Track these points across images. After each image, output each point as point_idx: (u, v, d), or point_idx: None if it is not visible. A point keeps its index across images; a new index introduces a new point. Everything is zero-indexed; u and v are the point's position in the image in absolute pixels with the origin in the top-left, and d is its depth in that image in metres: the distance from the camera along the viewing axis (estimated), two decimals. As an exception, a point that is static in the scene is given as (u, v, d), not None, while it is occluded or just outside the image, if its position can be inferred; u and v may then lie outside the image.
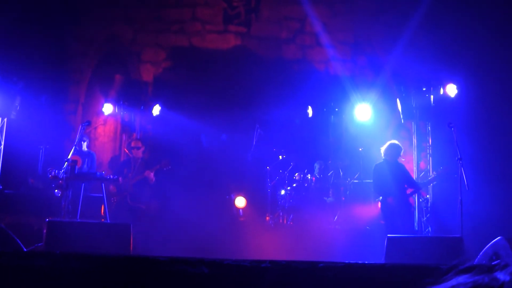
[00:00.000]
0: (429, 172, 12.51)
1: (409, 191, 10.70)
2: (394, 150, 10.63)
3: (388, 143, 10.70)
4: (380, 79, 13.74)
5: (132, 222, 8.35)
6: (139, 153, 12.09)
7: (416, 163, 13.18)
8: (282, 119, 14.15)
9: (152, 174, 11.61)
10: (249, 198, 13.11)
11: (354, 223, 11.99)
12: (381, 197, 10.58)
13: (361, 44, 14.70)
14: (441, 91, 12.33)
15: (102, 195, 10.83)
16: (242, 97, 14.56)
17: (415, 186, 10.86)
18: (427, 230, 12.07)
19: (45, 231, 7.82)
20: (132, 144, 12.29)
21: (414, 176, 12.58)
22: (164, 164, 11.57)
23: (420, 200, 12.38)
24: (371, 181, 11.14)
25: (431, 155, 12.95)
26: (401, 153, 10.69)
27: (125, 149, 14.21)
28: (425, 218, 12.20)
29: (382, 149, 10.74)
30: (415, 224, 12.09)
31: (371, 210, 12.02)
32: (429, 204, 12.24)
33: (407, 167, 11.31)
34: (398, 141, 10.91)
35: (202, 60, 14.94)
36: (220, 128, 14.30)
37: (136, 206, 11.59)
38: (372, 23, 14.53)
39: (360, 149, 13.26)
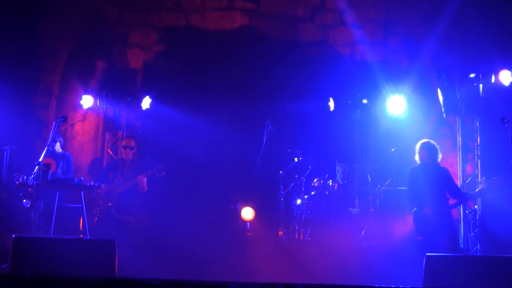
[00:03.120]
0: (478, 178, 12.39)
1: (452, 201, 10.58)
2: (428, 151, 10.49)
3: (419, 142, 10.59)
4: (416, 65, 13.64)
5: (118, 238, 8.27)
6: (130, 155, 11.99)
7: (461, 166, 13.05)
8: (298, 114, 14.12)
9: (145, 181, 11.51)
10: (258, 208, 13.10)
11: (385, 239, 11.92)
12: (416, 208, 10.47)
13: (394, 23, 14.56)
14: (493, 79, 12.16)
15: (80, 205, 10.74)
16: (249, 88, 14.53)
17: (460, 197, 10.71)
18: (475, 248, 11.95)
19: (10, 249, 7.74)
20: (123, 143, 12.17)
21: (459, 183, 12.47)
22: (157, 169, 11.47)
23: (466, 211, 12.25)
24: (406, 188, 11.05)
25: (479, 157, 12.80)
26: (439, 154, 10.56)
27: (109, 150, 14.19)
28: (472, 234, 12.08)
29: (415, 150, 10.65)
30: (460, 240, 12.00)
31: (406, 223, 11.89)
32: (477, 216, 12.08)
33: (450, 171, 11.18)
34: (439, 140, 10.82)
35: (202, 43, 14.89)
36: (223, 125, 14.22)
37: (122, 219, 11.52)
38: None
39: (393, 150, 13.19)
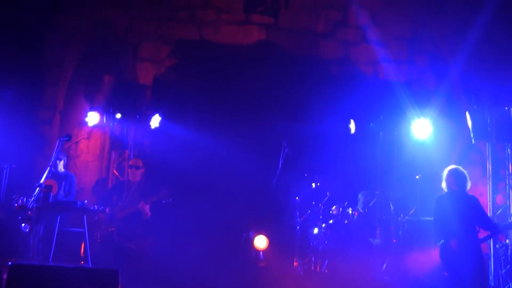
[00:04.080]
0: (509, 209, 12.26)
1: (482, 234, 10.44)
2: (456, 178, 10.37)
3: (447, 169, 10.48)
4: (444, 86, 13.57)
5: (120, 266, 8.23)
6: (137, 176, 11.98)
7: (491, 196, 12.88)
8: (317, 135, 14.07)
9: (147, 208, 11.46)
10: (272, 237, 13.03)
11: (408, 274, 11.82)
12: (442, 241, 10.34)
13: (421, 41, 14.51)
14: (526, 102, 12.14)
15: (83, 230, 10.70)
16: (266, 107, 14.49)
17: (492, 228, 10.55)
18: (506, 286, 11.79)
19: (5, 277, 7.69)
20: (131, 162, 12.23)
21: (489, 213, 12.33)
22: (163, 195, 11.44)
23: (497, 246, 12.08)
24: (431, 218, 10.93)
25: (511, 186, 12.69)
26: (468, 182, 10.45)
27: (115, 171, 14.15)
28: (504, 271, 11.90)
29: (442, 178, 10.54)
30: (490, 277, 11.84)
31: (431, 257, 11.78)
32: (509, 251, 11.95)
33: (480, 201, 11.05)
34: (467, 167, 10.68)
35: (216, 58, 14.86)
36: (237, 145, 14.16)
37: (124, 245, 11.46)
38: (437, 12, 14.29)
39: (417, 177, 13.08)
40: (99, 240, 11.41)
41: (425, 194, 12.64)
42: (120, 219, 11.49)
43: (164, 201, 11.47)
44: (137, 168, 11.99)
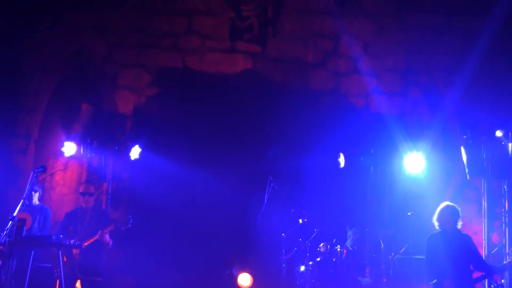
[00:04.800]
0: (505, 248, 12.29)
1: (476, 274, 10.46)
2: (450, 216, 10.41)
3: (440, 206, 10.52)
4: (438, 119, 13.66)
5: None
6: (91, 202, 11.83)
7: (486, 235, 12.93)
8: (305, 169, 14.06)
9: (107, 236, 11.32)
10: (256, 275, 12.99)
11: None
12: (435, 280, 10.35)
13: (414, 73, 14.58)
14: (524, 138, 12.21)
15: (58, 266, 10.65)
16: (251, 139, 14.52)
17: (486, 269, 10.57)
18: (502, 330, 11.84)
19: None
20: (82, 189, 11.89)
21: (484, 253, 12.35)
22: (121, 222, 11.31)
23: (492, 286, 12.12)
24: (423, 257, 10.95)
25: (507, 224, 12.70)
26: (459, 220, 10.48)
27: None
28: (499, 312, 11.96)
29: (435, 215, 10.58)
30: (486, 320, 11.87)
31: (423, 297, 11.83)
32: (505, 292, 12.01)
33: (474, 239, 11.08)
34: (462, 204, 10.74)
35: (200, 88, 14.88)
36: (221, 179, 14.17)
37: (88, 279, 11.31)
38: (430, 43, 14.42)
39: (409, 214, 13.09)
40: (58, 273, 11.19)
41: (417, 231, 12.64)
42: (80, 251, 11.25)
43: (123, 228, 11.36)
44: (91, 195, 11.83)
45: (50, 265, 10.87)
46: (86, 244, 11.10)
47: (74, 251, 11.05)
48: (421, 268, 11.69)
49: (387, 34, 14.76)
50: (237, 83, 14.85)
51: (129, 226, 11.32)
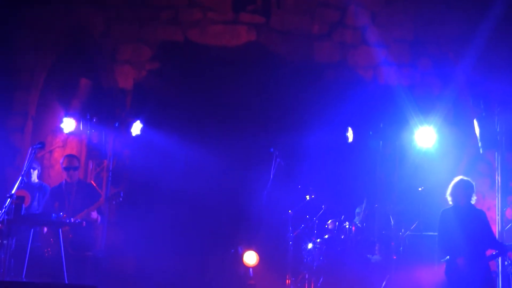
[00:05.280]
0: (519, 224, 12.29)
1: (489, 252, 10.45)
2: (464, 191, 10.40)
3: (454, 180, 10.50)
4: (449, 91, 13.59)
5: (85, 279, 8.17)
6: (75, 176, 11.77)
7: (499, 210, 12.88)
8: (311, 145, 14.03)
9: (94, 214, 11.26)
10: (262, 253, 13.00)
11: (409, 293, 11.81)
12: (447, 257, 10.35)
13: (424, 43, 14.47)
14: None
15: (49, 245, 10.66)
16: (256, 113, 14.47)
17: (499, 247, 10.58)
18: (515, 306, 11.83)
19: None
20: (65, 164, 11.85)
21: (497, 229, 12.32)
22: (111, 196, 11.26)
23: (506, 263, 12.07)
24: (435, 234, 10.94)
25: (522, 200, 12.72)
26: (473, 194, 10.46)
27: (92, 182, 14.08)
28: (513, 289, 11.96)
29: (448, 190, 10.55)
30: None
31: (434, 274, 11.81)
32: (517, 269, 11.99)
33: (487, 215, 11.06)
34: (474, 178, 10.70)
35: (202, 61, 14.84)
36: (225, 155, 14.14)
37: (79, 255, 11.26)
38: (440, 11, 14.28)
39: (420, 189, 13.06)
40: (50, 253, 11.19)
41: (428, 207, 12.65)
42: (71, 228, 11.13)
43: (114, 202, 11.33)
44: (75, 169, 11.75)
45: (39, 244, 10.90)
46: (80, 216, 11.04)
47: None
48: (433, 245, 11.68)
49: (395, 3, 14.62)
50: (240, 56, 14.78)
51: (120, 200, 11.27)
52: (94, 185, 12.17)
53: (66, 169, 11.67)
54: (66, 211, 11.12)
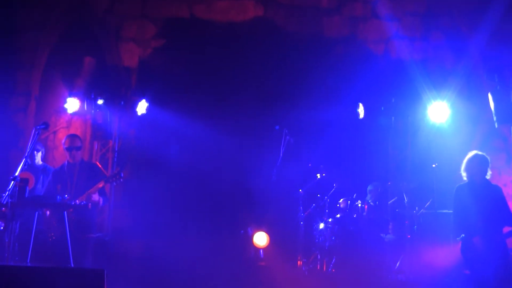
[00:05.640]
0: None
1: (506, 229, 10.36)
2: (479, 166, 10.28)
3: (468, 155, 10.39)
4: (463, 64, 13.48)
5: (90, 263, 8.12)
6: (77, 156, 11.61)
7: (515, 186, 12.91)
8: (322, 121, 13.98)
9: (96, 196, 11.15)
10: (273, 233, 12.97)
11: (424, 272, 11.80)
12: (463, 235, 10.25)
13: (436, 16, 14.41)
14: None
15: (53, 229, 10.62)
16: (264, 90, 14.43)
17: (513, 224, 10.52)
18: (533, 285, 11.76)
19: (-21, 279, 7.60)
20: (67, 144, 11.44)
21: (513, 205, 12.29)
22: (112, 177, 11.09)
23: (523, 240, 12.07)
24: (450, 211, 10.85)
25: (538, 175, 12.65)
26: (489, 169, 10.35)
27: (97, 163, 14.02)
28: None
29: (462, 165, 10.45)
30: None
31: (450, 253, 11.73)
32: (535, 247, 11.91)
33: (504, 191, 10.96)
34: (489, 154, 10.57)
35: (208, 38, 14.75)
36: (233, 134, 14.08)
37: (82, 237, 11.20)
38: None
39: (434, 166, 12.97)
40: (53, 237, 11.12)
41: (442, 184, 12.59)
42: (74, 210, 11.04)
43: (114, 183, 11.21)
44: (78, 149, 11.54)
45: (42, 227, 10.84)
46: (83, 198, 10.93)
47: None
48: (447, 223, 11.61)
49: (407, -27, 14.57)
50: (247, 32, 14.69)
51: (121, 180, 11.16)
52: (99, 165, 12.07)
53: (68, 149, 11.43)
54: (68, 193, 11.01)
